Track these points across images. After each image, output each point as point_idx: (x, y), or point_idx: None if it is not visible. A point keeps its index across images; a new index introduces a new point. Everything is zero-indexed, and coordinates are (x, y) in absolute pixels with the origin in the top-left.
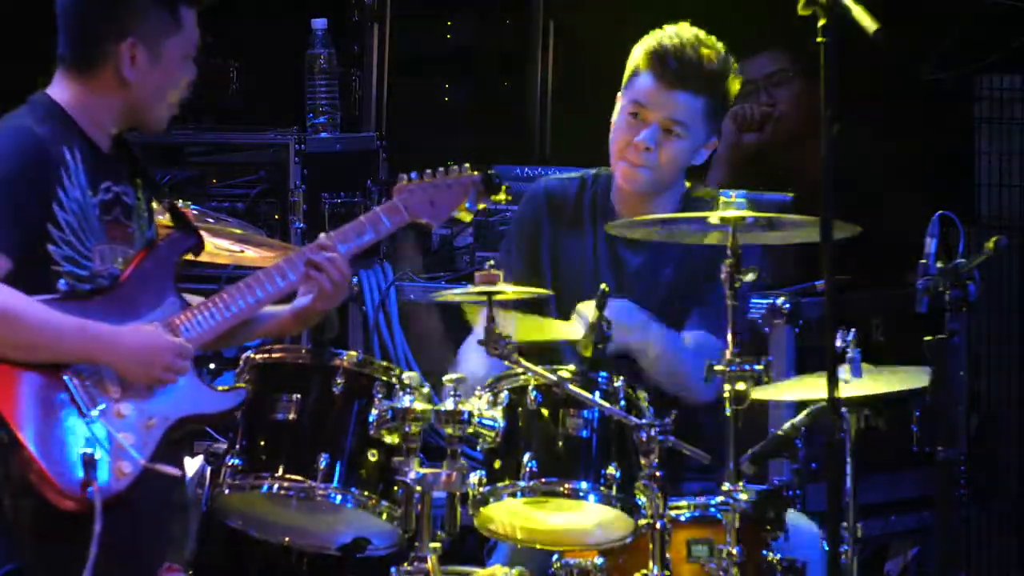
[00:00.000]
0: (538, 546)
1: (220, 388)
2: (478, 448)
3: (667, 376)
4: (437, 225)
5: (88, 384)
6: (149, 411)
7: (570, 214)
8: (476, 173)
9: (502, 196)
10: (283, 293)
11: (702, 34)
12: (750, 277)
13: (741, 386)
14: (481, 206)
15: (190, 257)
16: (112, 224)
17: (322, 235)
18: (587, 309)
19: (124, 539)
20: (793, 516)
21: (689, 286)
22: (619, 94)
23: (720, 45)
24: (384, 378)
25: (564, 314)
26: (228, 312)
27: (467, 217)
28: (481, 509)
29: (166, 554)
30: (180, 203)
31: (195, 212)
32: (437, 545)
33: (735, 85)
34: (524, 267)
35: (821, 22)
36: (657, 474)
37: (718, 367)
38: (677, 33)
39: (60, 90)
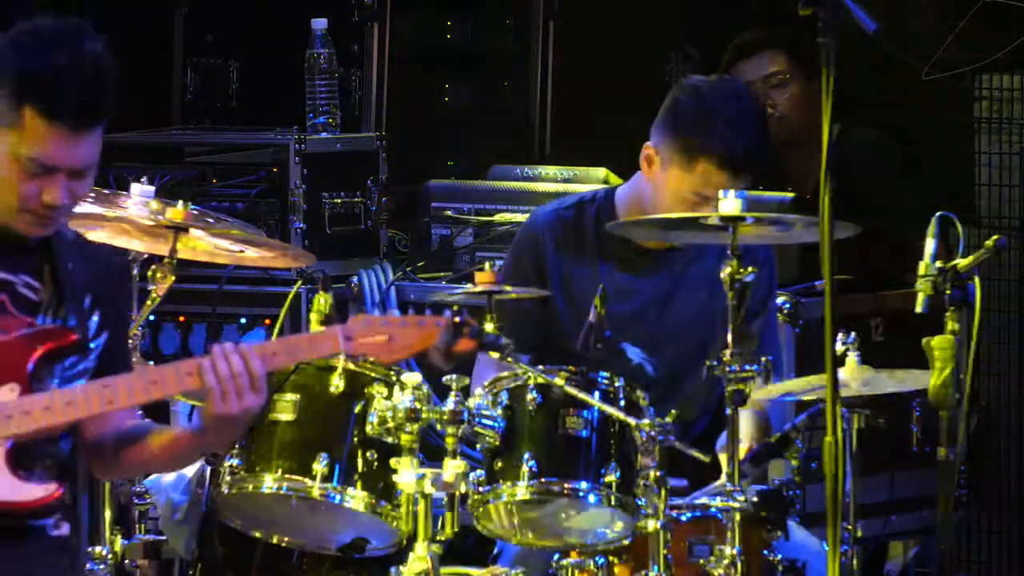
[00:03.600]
0: (538, 546)
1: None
2: (478, 448)
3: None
4: (388, 362)
5: None
6: None
7: (573, 243)
8: (443, 320)
9: (470, 345)
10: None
11: (759, 105)
12: (750, 277)
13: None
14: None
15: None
16: None
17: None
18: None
19: None
20: (796, 531)
21: (717, 328)
22: (651, 146)
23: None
24: (384, 378)
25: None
26: (70, 408)
27: (436, 357)
28: (481, 509)
29: None
30: (180, 204)
31: (195, 212)
32: (437, 547)
33: None
34: (533, 303)
35: (821, 22)
36: (657, 474)
37: (717, 368)
38: (745, 119)
39: None
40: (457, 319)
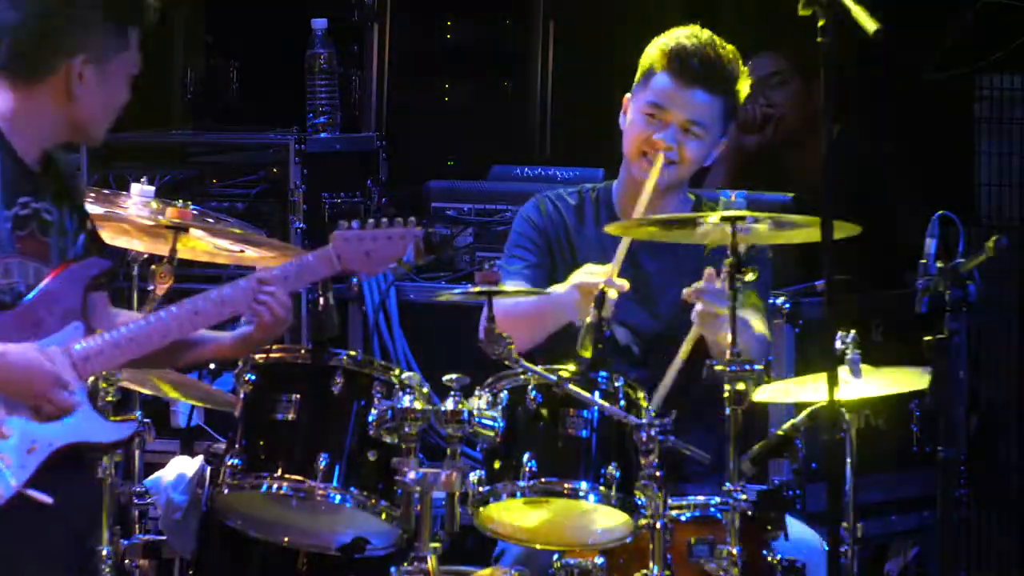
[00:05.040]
0: (538, 546)
1: (113, 419)
2: (478, 448)
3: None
4: (367, 278)
5: None
6: (34, 435)
7: (576, 220)
8: (419, 228)
9: (432, 256)
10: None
11: (715, 36)
12: (750, 277)
13: (741, 386)
14: (420, 262)
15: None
16: (26, 239)
17: (260, 271)
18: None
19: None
20: (796, 526)
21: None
22: (627, 95)
23: (731, 46)
24: (384, 378)
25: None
26: (135, 345)
27: (405, 268)
28: (481, 509)
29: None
30: (180, 203)
31: (195, 212)
32: (437, 545)
33: (746, 86)
34: (540, 259)
35: (821, 22)
36: (657, 474)
37: (718, 367)
38: (694, 33)
39: None
40: (422, 234)
